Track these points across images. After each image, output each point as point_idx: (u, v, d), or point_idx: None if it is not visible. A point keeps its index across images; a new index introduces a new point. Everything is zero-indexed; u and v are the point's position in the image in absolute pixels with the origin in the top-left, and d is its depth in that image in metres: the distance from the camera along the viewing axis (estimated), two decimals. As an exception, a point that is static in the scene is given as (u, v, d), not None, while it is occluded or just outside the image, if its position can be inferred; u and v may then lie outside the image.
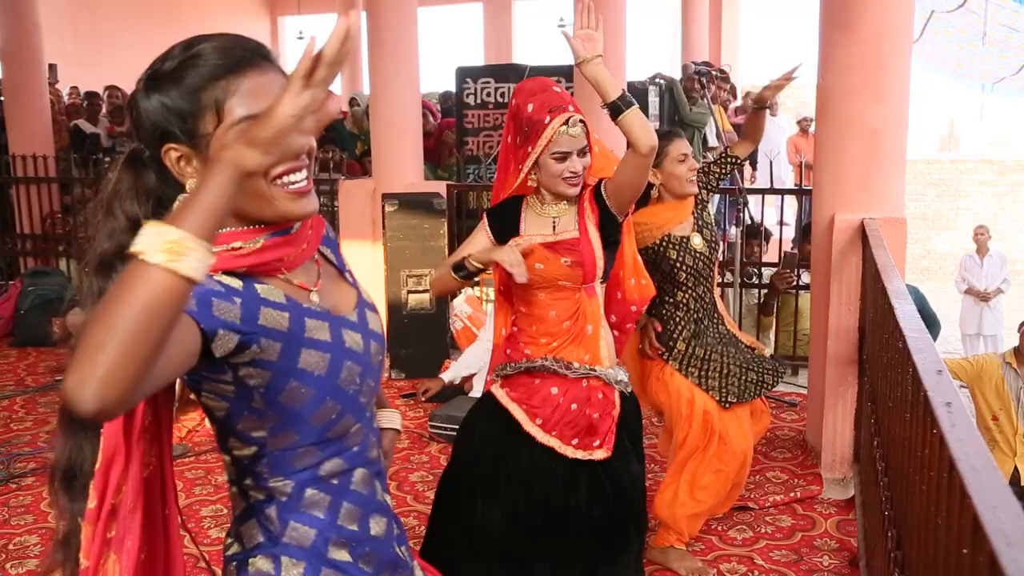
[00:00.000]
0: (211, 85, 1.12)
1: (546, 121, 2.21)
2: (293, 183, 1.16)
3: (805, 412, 4.39)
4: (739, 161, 3.23)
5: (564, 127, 2.21)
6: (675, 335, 3.07)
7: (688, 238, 3.04)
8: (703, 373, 3.04)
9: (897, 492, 2.04)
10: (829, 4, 3.73)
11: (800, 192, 6.15)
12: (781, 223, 6.16)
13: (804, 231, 5.66)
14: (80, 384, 0.87)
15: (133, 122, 1.19)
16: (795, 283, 5.33)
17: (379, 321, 1.39)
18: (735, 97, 9.97)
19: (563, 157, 2.23)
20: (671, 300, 3.08)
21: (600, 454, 2.34)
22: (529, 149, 2.25)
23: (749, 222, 5.62)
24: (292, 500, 1.25)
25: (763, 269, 5.63)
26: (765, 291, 5.51)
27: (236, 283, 1.15)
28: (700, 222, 3.09)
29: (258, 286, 1.17)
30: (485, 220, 2.43)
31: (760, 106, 3.20)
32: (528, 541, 2.31)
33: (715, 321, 3.15)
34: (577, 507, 2.33)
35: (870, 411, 3.02)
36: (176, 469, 1.34)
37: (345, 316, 1.29)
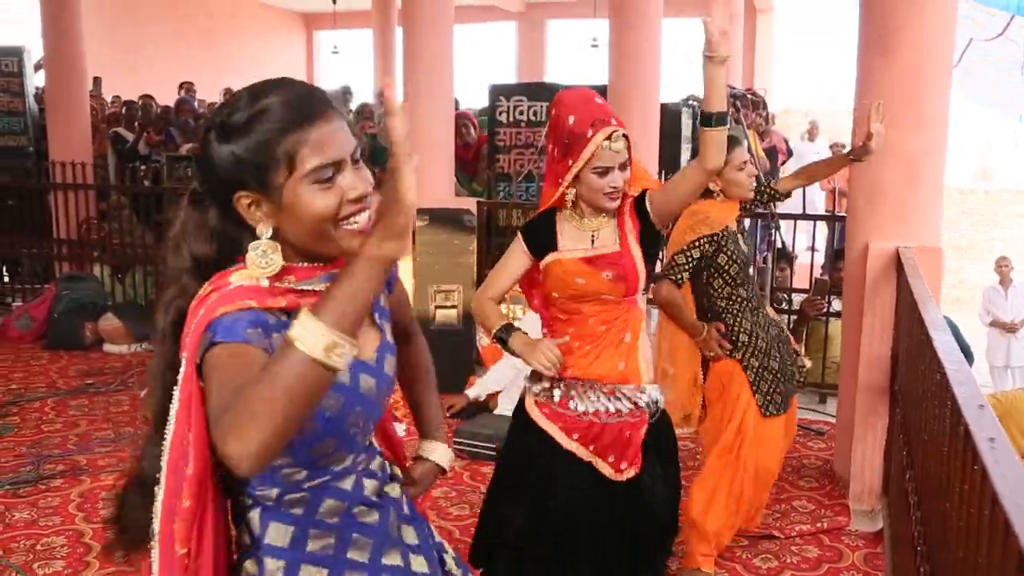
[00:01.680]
0: (282, 139, 1.17)
1: (588, 135, 2.17)
2: (356, 223, 1.21)
3: (833, 441, 4.33)
4: (779, 196, 3.34)
5: (607, 142, 2.17)
6: (736, 328, 3.10)
7: (736, 235, 3.13)
8: (760, 371, 3.08)
9: (931, 527, 2.01)
10: (868, 30, 3.71)
11: (833, 218, 6.10)
12: (812, 249, 6.12)
13: (836, 256, 5.62)
14: (242, 453, 1.00)
15: (202, 168, 1.24)
16: (826, 310, 5.28)
17: (394, 363, 1.41)
18: (769, 122, 9.94)
19: (605, 172, 2.19)
20: (726, 297, 3.12)
21: (630, 473, 2.32)
22: (570, 163, 2.20)
23: (780, 246, 5.58)
24: (274, 504, 1.29)
25: (793, 295, 5.58)
26: (795, 317, 5.47)
27: (283, 317, 1.22)
28: (740, 228, 3.24)
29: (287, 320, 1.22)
30: (521, 238, 2.38)
31: (856, 158, 3.21)
32: (569, 555, 2.29)
33: (764, 309, 3.24)
34: (610, 523, 2.31)
35: (902, 442, 2.98)
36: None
37: (365, 360, 1.33)
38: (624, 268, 2.25)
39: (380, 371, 1.35)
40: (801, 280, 5.95)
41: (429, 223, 5.26)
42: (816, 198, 9.00)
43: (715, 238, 3.02)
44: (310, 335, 1.00)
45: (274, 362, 1.01)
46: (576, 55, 15.97)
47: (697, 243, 3.00)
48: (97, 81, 9.53)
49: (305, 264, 1.25)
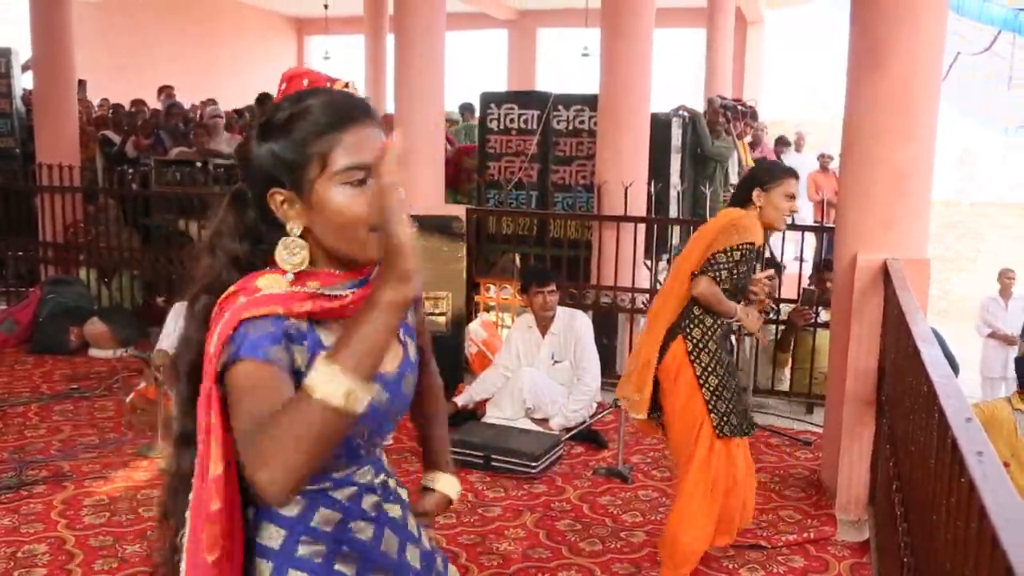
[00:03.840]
0: (318, 138, 1.22)
1: None
2: None
3: (820, 451, 4.34)
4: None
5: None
6: (701, 343, 3.10)
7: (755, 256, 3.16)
8: (719, 391, 3.07)
9: (918, 538, 2.01)
10: (859, 44, 3.73)
11: (821, 229, 6.12)
12: (801, 259, 6.14)
13: (824, 267, 5.64)
14: (271, 485, 1.05)
15: (242, 166, 1.31)
16: (813, 320, 5.30)
17: (413, 384, 1.42)
18: (761, 132, 9.98)
19: None
20: (705, 309, 3.13)
21: None
22: None
23: (769, 256, 5.60)
24: (269, 505, 1.29)
25: (780, 305, 5.60)
26: (783, 327, 5.49)
27: (304, 326, 1.24)
28: None
29: (320, 331, 1.26)
30: None
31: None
32: None
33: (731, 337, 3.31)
34: None
35: (888, 453, 2.98)
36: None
37: (383, 373, 1.32)
38: None
39: (398, 388, 1.35)
40: (789, 290, 5.97)
41: (418, 230, 5.21)
42: (803, 208, 9.05)
43: (753, 249, 3.06)
44: (328, 384, 1.04)
45: (296, 407, 1.06)
46: (567, 64, 16.02)
47: (741, 247, 3.03)
48: (82, 84, 9.48)
49: (332, 270, 1.28)
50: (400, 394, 1.36)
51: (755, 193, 3.10)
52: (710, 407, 3.07)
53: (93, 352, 6.28)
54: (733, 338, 3.28)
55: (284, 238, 1.25)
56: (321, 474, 1.30)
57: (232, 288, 1.24)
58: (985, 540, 1.13)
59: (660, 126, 6.63)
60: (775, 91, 16.61)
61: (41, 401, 5.18)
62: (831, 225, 5.36)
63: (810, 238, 6.84)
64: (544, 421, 4.69)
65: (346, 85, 1.31)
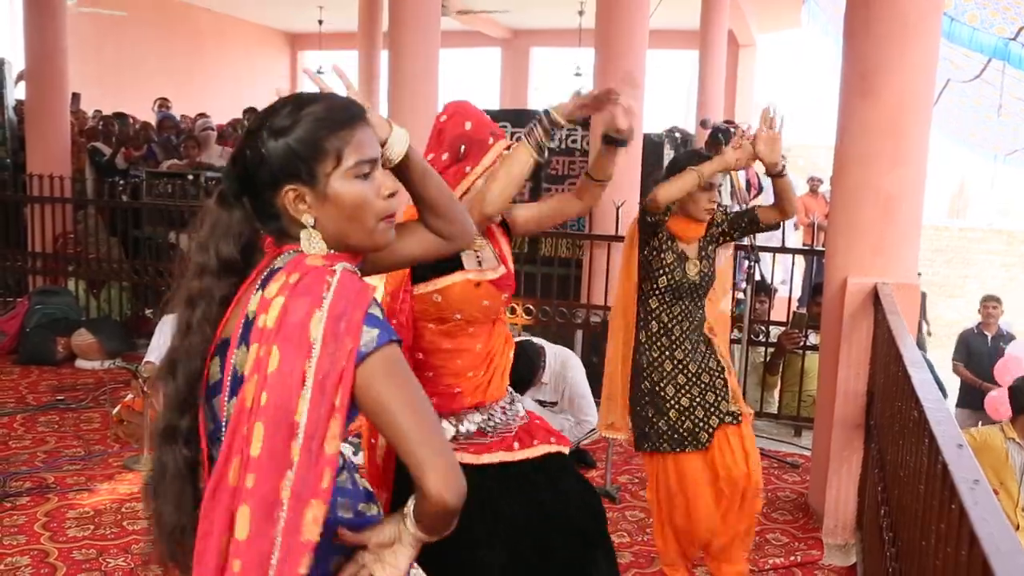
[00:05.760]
0: (331, 136, 1.34)
1: (489, 142, 2.15)
2: (390, 219, 1.43)
3: (808, 474, 4.34)
4: (760, 227, 3.13)
5: (508, 151, 2.16)
6: (652, 340, 3.06)
7: (688, 259, 3.03)
8: (637, 398, 3.06)
9: (906, 563, 2.01)
10: (850, 70, 3.76)
11: (811, 252, 6.14)
12: (791, 283, 6.16)
13: (814, 291, 5.66)
14: (451, 496, 1.21)
15: (247, 165, 1.36)
16: (802, 343, 5.32)
17: None
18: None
19: None
20: (657, 323, 3.05)
21: (543, 449, 2.26)
22: (467, 169, 2.15)
23: (759, 278, 5.62)
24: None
25: (770, 327, 5.61)
26: (772, 350, 5.50)
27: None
28: (702, 252, 3.08)
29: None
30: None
31: (772, 174, 3.04)
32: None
33: (695, 360, 3.05)
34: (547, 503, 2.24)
35: (877, 478, 2.99)
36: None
37: None
38: (512, 289, 2.26)
39: None
40: (779, 313, 5.99)
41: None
42: (791, 231, 9.06)
43: (655, 243, 3.01)
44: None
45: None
46: (559, 83, 16.10)
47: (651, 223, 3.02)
48: (76, 97, 9.49)
49: (341, 253, 1.39)
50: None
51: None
52: (630, 419, 3.07)
53: (80, 363, 6.24)
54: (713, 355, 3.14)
55: (305, 230, 1.34)
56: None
57: (287, 277, 1.27)
58: (976, 567, 1.13)
59: (652, 147, 6.66)
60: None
61: (26, 412, 5.13)
62: (821, 248, 5.39)
63: (797, 261, 6.87)
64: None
65: None
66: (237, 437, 1.23)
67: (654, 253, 3.02)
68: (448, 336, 2.20)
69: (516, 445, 2.23)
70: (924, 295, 10.89)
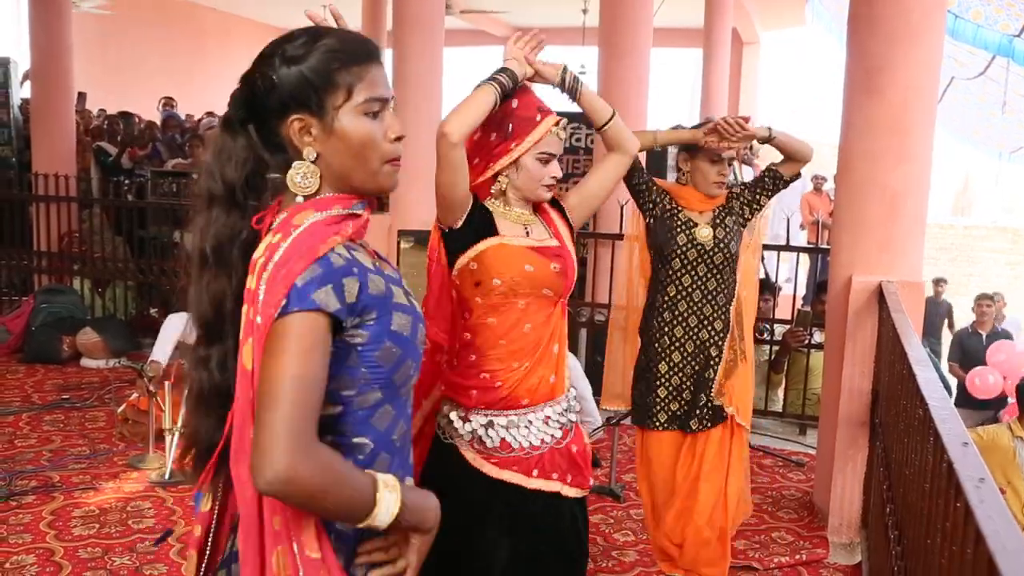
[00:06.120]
0: (345, 69, 1.31)
1: (537, 119, 2.12)
2: (396, 163, 1.39)
3: (813, 473, 4.34)
4: (784, 179, 3.00)
5: (556, 128, 2.14)
6: (651, 311, 3.01)
7: (697, 225, 2.94)
8: (642, 374, 3.01)
9: (912, 562, 2.01)
10: (855, 67, 3.76)
11: (816, 251, 6.13)
12: (795, 280, 6.15)
13: (818, 289, 5.65)
14: (270, 471, 1.15)
15: (256, 90, 1.33)
16: (807, 341, 5.31)
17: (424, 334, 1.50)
18: (753, 152, 10.01)
19: (548, 160, 2.13)
20: (662, 296, 2.97)
21: (556, 487, 2.18)
22: (513, 145, 2.11)
23: (763, 276, 5.61)
24: (367, 459, 1.32)
25: (775, 325, 5.61)
26: (776, 348, 5.49)
27: (347, 255, 1.27)
28: (717, 219, 2.96)
29: (356, 254, 1.30)
30: (438, 234, 2.22)
31: (764, 142, 2.98)
32: None
33: (694, 340, 2.97)
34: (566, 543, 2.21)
35: (882, 476, 2.98)
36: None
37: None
38: (567, 263, 2.15)
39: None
40: (784, 311, 5.98)
41: (414, 244, 5.26)
42: (796, 229, 9.04)
43: (666, 220, 2.95)
44: (386, 514, 1.24)
45: (353, 484, 1.21)
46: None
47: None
48: (82, 96, 9.51)
49: (341, 194, 1.35)
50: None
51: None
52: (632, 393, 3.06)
53: (85, 362, 6.25)
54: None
55: (299, 162, 1.32)
56: (405, 402, 1.38)
57: (270, 238, 1.26)
58: (982, 565, 1.13)
59: (656, 145, 6.65)
60: (770, 112, 16.71)
61: (32, 411, 5.15)
62: (826, 246, 5.38)
63: (802, 259, 6.86)
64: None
65: None
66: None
67: (655, 216, 2.97)
68: (494, 311, 2.12)
69: (535, 472, 2.14)
70: (950, 306, 10.88)
